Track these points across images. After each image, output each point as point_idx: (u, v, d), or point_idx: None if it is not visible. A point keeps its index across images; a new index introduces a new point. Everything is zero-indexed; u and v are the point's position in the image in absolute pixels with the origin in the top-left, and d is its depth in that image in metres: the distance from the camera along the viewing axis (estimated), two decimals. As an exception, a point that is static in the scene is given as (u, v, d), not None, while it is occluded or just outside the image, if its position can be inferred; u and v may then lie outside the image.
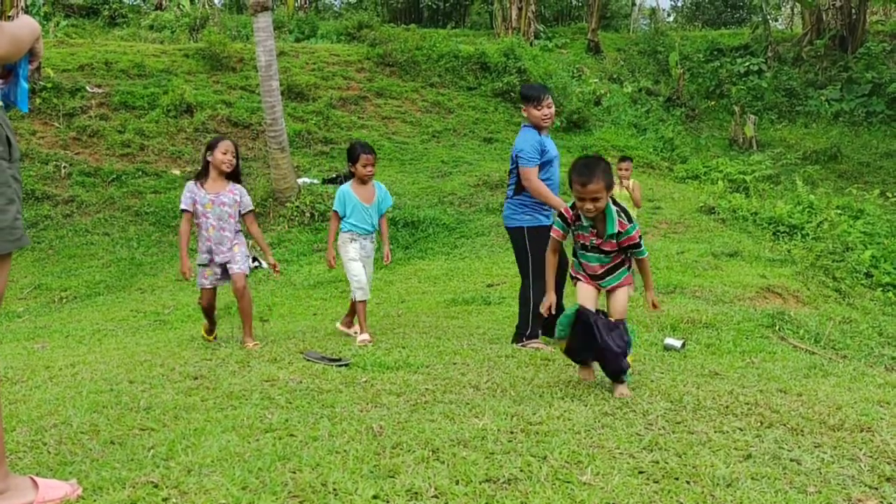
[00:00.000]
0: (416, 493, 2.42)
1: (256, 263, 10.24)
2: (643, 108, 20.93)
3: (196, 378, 4.17)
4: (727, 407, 3.44)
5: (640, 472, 2.63)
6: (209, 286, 5.45)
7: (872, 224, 12.58)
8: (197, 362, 4.69)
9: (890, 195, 15.13)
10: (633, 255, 3.92)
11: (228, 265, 5.36)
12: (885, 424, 3.21)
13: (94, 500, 2.39)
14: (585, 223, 3.82)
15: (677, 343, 5.39)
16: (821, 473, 2.66)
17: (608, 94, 20.53)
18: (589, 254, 3.88)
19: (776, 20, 33.16)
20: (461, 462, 2.68)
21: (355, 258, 5.61)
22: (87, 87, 15.23)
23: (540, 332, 5.36)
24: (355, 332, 5.65)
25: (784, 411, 3.37)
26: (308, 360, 4.69)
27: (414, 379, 4.06)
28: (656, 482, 2.55)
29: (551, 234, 3.95)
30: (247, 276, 5.46)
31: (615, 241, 3.79)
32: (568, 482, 2.53)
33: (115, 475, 2.57)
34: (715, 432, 3.08)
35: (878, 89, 21.50)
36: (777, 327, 6.36)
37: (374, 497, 2.39)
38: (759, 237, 11.60)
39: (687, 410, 3.39)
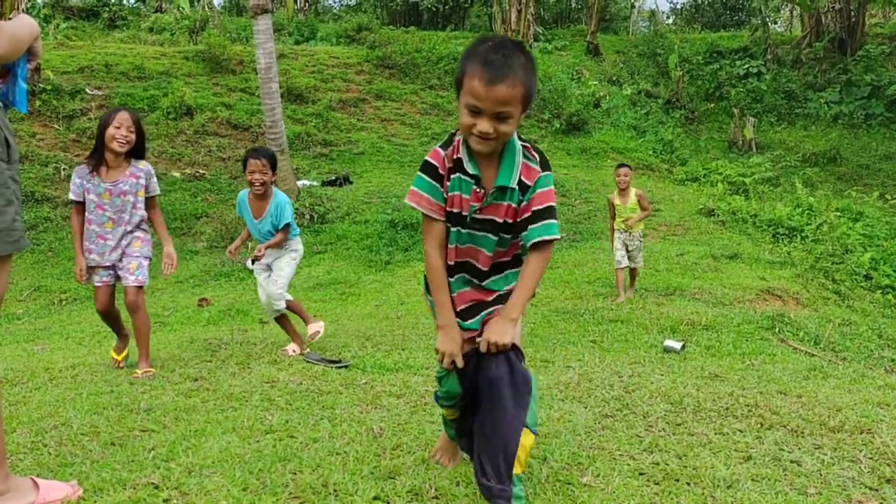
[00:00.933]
0: (416, 493, 2.43)
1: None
2: (642, 110, 20.94)
3: (196, 380, 4.17)
4: (727, 409, 3.45)
5: (641, 474, 2.63)
6: (99, 283, 4.51)
7: (872, 226, 12.60)
8: (197, 364, 4.69)
9: (889, 197, 15.15)
10: (533, 237, 2.28)
11: (120, 271, 4.47)
12: (885, 426, 3.21)
13: (95, 502, 2.39)
14: (471, 169, 2.30)
15: (677, 345, 5.39)
16: (821, 475, 2.66)
17: (607, 97, 20.55)
18: (468, 234, 2.37)
19: (775, 23, 33.18)
20: (461, 463, 2.68)
21: (259, 272, 5.13)
22: (87, 90, 15.23)
23: None
24: (294, 350, 5.06)
25: (784, 413, 3.37)
26: (308, 361, 4.70)
27: (414, 380, 4.07)
28: (657, 484, 2.55)
29: (421, 207, 2.36)
30: (142, 287, 4.50)
31: (514, 203, 2.31)
32: (568, 484, 2.53)
33: (116, 476, 2.57)
34: (715, 434, 3.08)
35: (877, 92, 21.51)
36: (777, 329, 6.37)
37: (375, 498, 2.40)
38: (758, 239, 11.60)
39: (687, 412, 3.39)
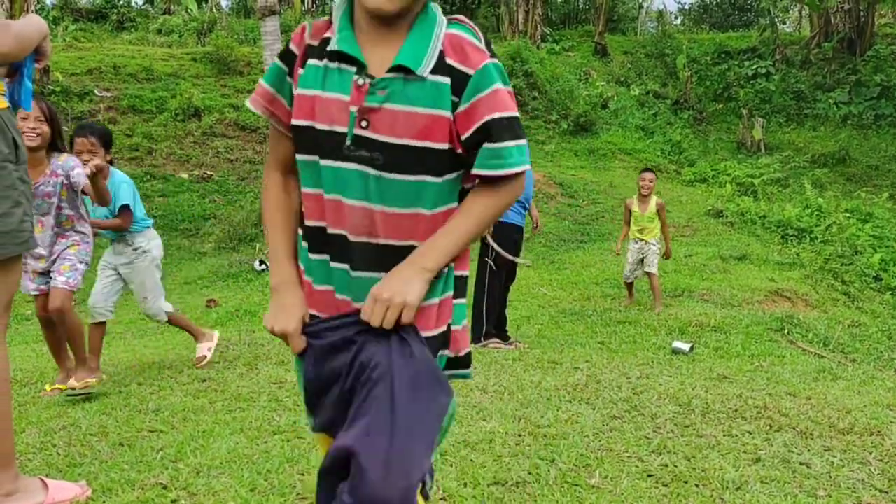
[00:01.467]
0: (423, 495, 2.42)
1: (264, 267, 10.26)
2: (650, 110, 20.89)
3: (204, 380, 4.18)
4: (736, 410, 3.43)
5: (649, 476, 2.62)
6: (36, 292, 4.11)
7: (881, 227, 12.53)
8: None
9: (899, 198, 15.07)
10: (480, 168, 1.41)
11: (51, 273, 3.99)
12: (894, 428, 3.19)
13: (104, 502, 2.40)
14: (344, 47, 1.40)
15: (685, 346, 5.38)
16: (830, 477, 2.64)
17: (615, 97, 20.51)
18: (350, 172, 1.40)
19: (784, 23, 33.06)
20: (469, 464, 2.68)
21: (103, 270, 4.46)
22: (96, 91, 15.30)
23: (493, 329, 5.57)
24: (209, 350, 4.65)
25: (793, 415, 3.35)
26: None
27: (421, 382, 4.06)
28: (665, 486, 2.54)
29: (256, 107, 1.54)
30: (72, 293, 4.03)
31: (438, 109, 1.38)
32: (576, 485, 2.53)
33: (124, 476, 2.58)
34: (724, 436, 3.06)
35: (886, 92, 21.40)
36: (786, 331, 6.34)
37: (383, 499, 2.39)
38: (767, 240, 11.56)
39: (696, 414, 3.38)
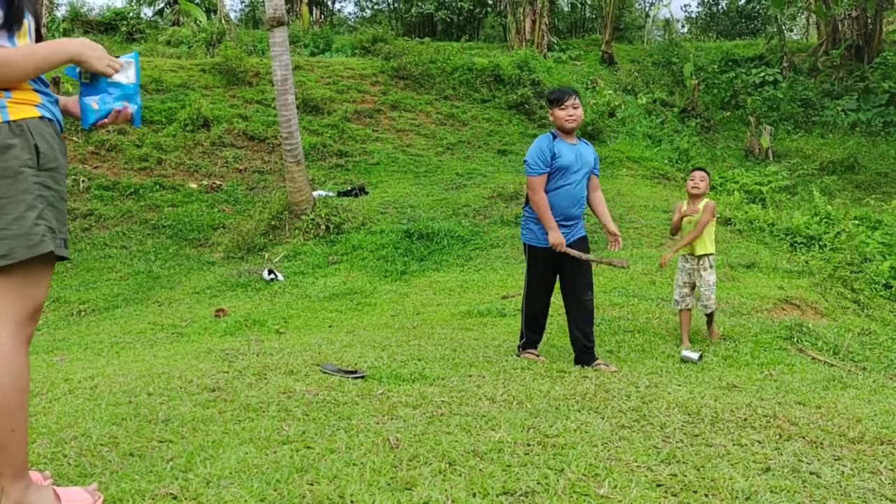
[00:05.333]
0: (433, 505, 2.43)
1: (273, 276, 10.29)
2: (658, 119, 20.89)
3: (214, 390, 4.19)
4: (745, 419, 3.42)
5: (659, 485, 2.62)
6: None
7: (891, 234, 12.47)
8: (214, 374, 4.71)
9: (908, 205, 15.00)
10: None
11: None
12: (906, 437, 3.17)
13: (114, 512, 2.41)
14: None
15: (694, 355, 5.36)
16: (841, 487, 2.63)
17: (622, 106, 20.52)
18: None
19: (791, 30, 33.05)
20: (478, 474, 2.68)
21: None
22: (106, 102, 15.39)
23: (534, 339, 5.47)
24: None
25: (803, 424, 3.34)
26: (324, 372, 4.71)
27: (430, 391, 4.07)
28: (675, 495, 2.54)
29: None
30: None
31: None
32: (585, 495, 2.52)
33: (135, 487, 2.59)
34: (733, 445, 3.06)
35: (895, 99, 21.34)
36: (795, 339, 6.31)
37: (392, 509, 2.40)
38: (776, 248, 11.53)
39: (705, 423, 3.37)
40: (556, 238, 5.04)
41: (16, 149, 2.21)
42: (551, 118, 5.29)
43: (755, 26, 33.92)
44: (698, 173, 6.45)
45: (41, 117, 2.31)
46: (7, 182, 2.19)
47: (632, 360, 5.43)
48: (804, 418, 3.43)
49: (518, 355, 5.34)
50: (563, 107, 5.15)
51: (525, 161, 5.25)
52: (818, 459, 2.90)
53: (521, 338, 5.45)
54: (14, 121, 2.22)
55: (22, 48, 2.27)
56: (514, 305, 7.99)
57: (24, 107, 2.26)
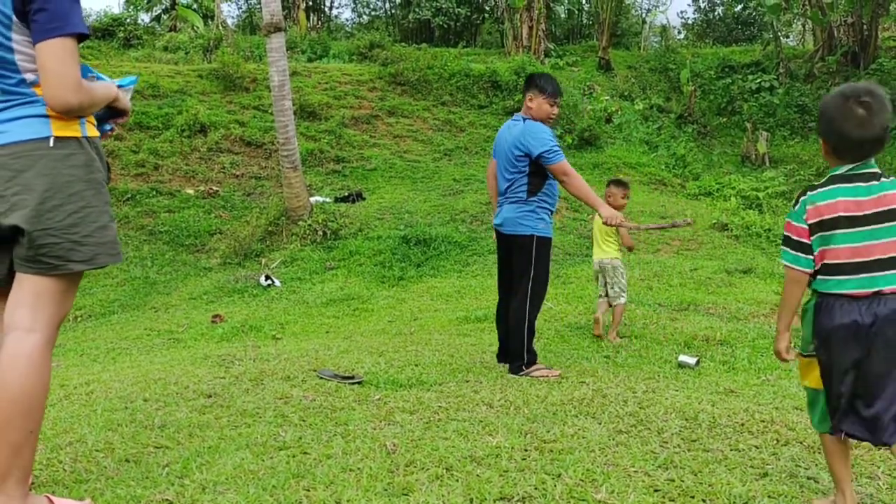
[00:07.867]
0: (430, 511, 2.42)
1: (270, 282, 10.28)
2: (654, 125, 20.93)
3: (210, 396, 4.18)
4: (743, 425, 3.42)
5: (656, 491, 2.61)
6: None
7: (887, 240, 12.49)
8: (211, 380, 4.70)
9: (905, 211, 15.02)
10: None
11: None
12: (903, 442, 3.17)
13: (110, 518, 2.40)
14: None
15: (692, 360, 5.36)
16: (839, 492, 2.63)
17: (619, 112, 20.55)
18: None
19: (787, 37, 33.14)
20: (475, 480, 2.67)
21: None
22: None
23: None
24: None
25: (800, 429, 3.34)
26: (321, 377, 4.70)
27: (427, 396, 4.06)
28: (672, 501, 2.53)
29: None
30: None
31: None
32: (583, 500, 2.52)
33: (130, 493, 2.58)
34: (731, 450, 3.05)
35: (890, 105, 21.42)
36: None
37: (389, 515, 2.39)
38: (772, 253, 11.54)
39: (702, 428, 3.36)
40: (610, 211, 4.89)
41: (97, 162, 2.39)
42: (531, 103, 4.98)
43: (751, 32, 34.02)
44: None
45: (99, 136, 2.47)
46: (92, 192, 2.34)
47: (629, 365, 5.43)
48: (802, 423, 3.43)
49: (519, 374, 4.75)
50: (554, 102, 5.05)
51: (546, 149, 4.79)
52: (816, 464, 2.90)
53: (527, 353, 4.82)
54: (90, 137, 2.38)
55: (101, 85, 2.48)
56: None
57: (90, 125, 2.43)
